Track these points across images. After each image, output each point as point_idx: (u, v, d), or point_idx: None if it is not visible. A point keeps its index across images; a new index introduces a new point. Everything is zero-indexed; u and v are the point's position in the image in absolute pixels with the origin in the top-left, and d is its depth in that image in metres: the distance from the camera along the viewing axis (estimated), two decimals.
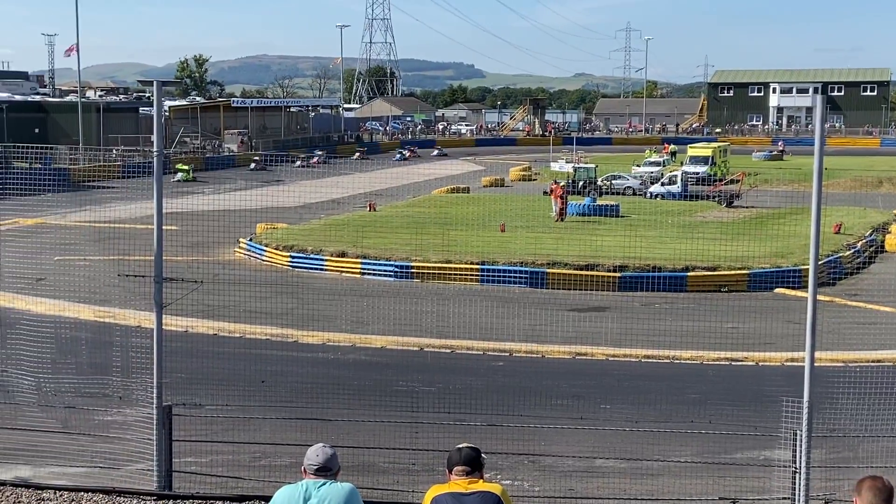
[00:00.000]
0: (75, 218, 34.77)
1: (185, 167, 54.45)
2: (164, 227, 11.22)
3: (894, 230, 37.35)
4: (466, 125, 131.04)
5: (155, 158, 11.32)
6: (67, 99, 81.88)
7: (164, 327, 11.20)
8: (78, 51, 71.69)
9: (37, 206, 31.63)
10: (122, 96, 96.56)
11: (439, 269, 29.08)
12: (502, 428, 13.11)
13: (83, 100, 73.64)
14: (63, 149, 51.45)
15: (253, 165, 58.96)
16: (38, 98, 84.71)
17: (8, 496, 9.90)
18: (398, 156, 70.45)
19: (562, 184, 43.35)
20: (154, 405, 11.16)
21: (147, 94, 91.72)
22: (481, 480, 5.42)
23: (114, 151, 55.84)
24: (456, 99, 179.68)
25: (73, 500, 9.86)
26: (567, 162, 62.97)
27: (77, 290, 24.66)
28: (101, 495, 10.11)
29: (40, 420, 13.67)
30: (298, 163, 63.72)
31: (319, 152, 69.02)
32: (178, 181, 51.24)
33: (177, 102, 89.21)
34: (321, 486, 5.35)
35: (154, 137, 11.36)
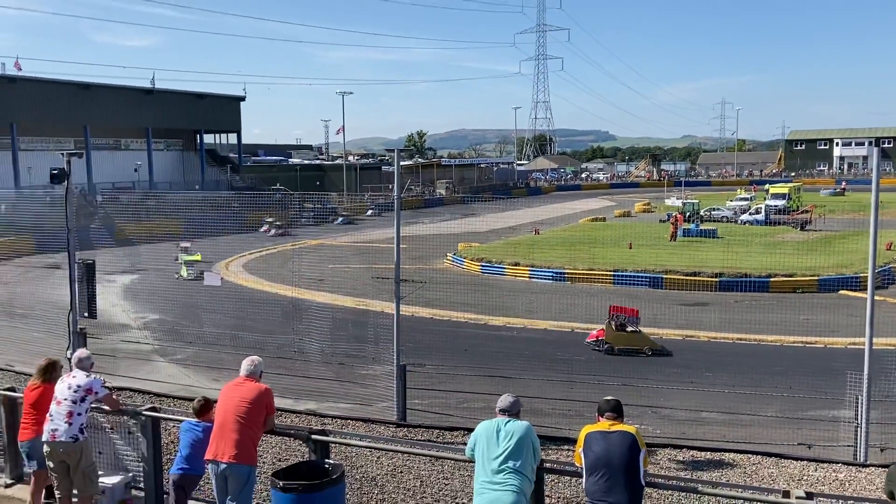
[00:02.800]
0: (342, 239, 36.42)
1: (194, 257, 26.76)
2: (401, 245, 11.62)
3: None
4: (603, 174, 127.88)
5: (395, 201, 11.75)
6: (336, 162, 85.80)
7: (400, 312, 11.57)
8: (343, 131, 75.20)
9: (318, 232, 33.40)
10: (370, 159, 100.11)
11: (585, 274, 28.54)
12: (632, 387, 12.75)
13: (346, 162, 77.08)
14: (334, 195, 53.99)
15: (269, 230, 36.80)
16: (318, 162, 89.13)
17: (302, 420, 10.43)
18: (340, 219, 43.71)
19: (675, 214, 41.75)
20: (394, 364, 11.52)
21: (387, 158, 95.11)
22: (620, 423, 5.31)
23: (366, 196, 58.09)
24: (595, 156, 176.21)
25: (343, 424, 10.25)
26: (677, 198, 60.35)
27: (343, 287, 25.72)
28: (360, 423, 10.49)
29: (322, 372, 14.39)
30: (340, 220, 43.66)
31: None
32: (179, 278, 25.46)
33: (405, 162, 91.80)
34: (508, 422, 5.37)
35: (394, 186, 11.78)
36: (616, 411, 5.30)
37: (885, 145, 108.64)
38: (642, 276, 27.57)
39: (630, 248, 34.49)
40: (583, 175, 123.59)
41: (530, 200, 71.01)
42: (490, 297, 25.33)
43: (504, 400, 5.47)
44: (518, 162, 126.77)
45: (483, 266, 31.53)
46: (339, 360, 15.24)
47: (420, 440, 9.52)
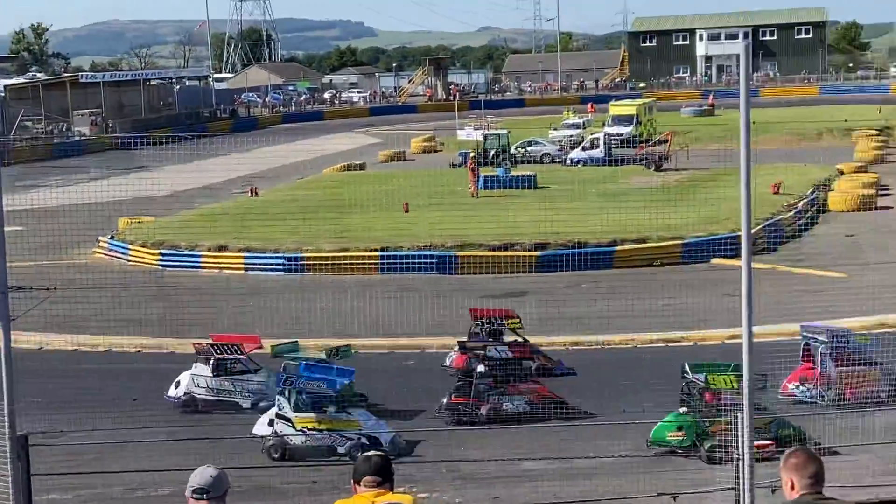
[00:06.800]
0: None
1: None
2: (5, 228, 10.98)
3: (837, 187, 38.46)
4: (358, 92, 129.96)
5: None
6: None
7: (11, 342, 10.98)
8: None
9: None
10: None
11: (334, 258, 28.92)
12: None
13: None
14: None
15: None
16: None
17: None
18: None
19: (472, 155, 43.65)
20: (7, 436, 10.94)
21: None
22: (390, 492, 5.49)
23: None
24: (345, 62, 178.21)
25: None
26: (476, 129, 62.77)
27: None
28: None
29: None
30: None
31: None
32: None
33: (13, 80, 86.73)
34: None
35: None
36: (381, 473, 5.48)
37: (767, 37, 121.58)
38: (424, 256, 28.46)
39: (406, 211, 35.33)
40: (326, 95, 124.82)
41: (240, 139, 70.26)
42: (178, 306, 24.84)
43: (199, 477, 5.43)
44: (216, 75, 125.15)
45: (164, 255, 30.84)
46: None
47: None
